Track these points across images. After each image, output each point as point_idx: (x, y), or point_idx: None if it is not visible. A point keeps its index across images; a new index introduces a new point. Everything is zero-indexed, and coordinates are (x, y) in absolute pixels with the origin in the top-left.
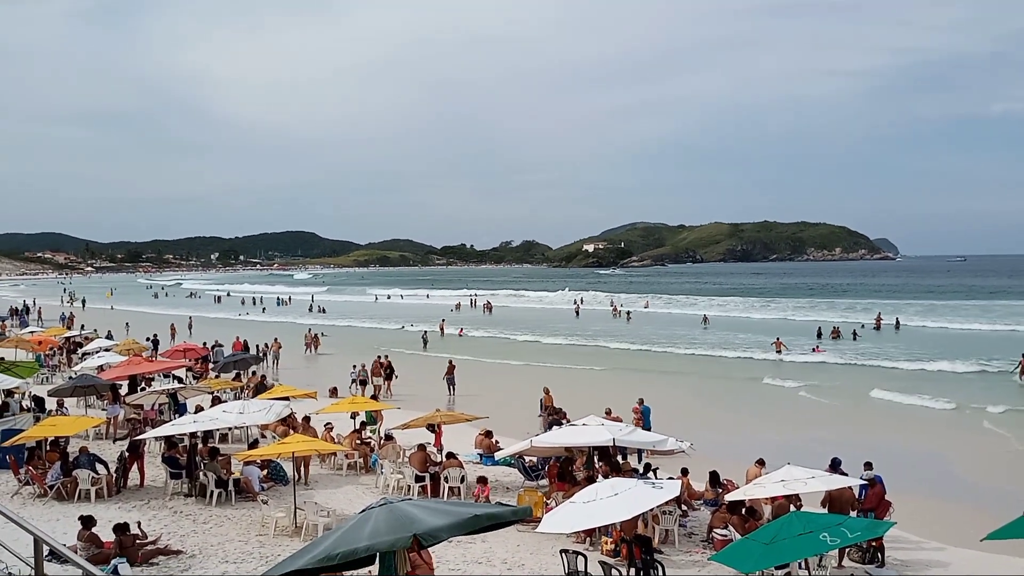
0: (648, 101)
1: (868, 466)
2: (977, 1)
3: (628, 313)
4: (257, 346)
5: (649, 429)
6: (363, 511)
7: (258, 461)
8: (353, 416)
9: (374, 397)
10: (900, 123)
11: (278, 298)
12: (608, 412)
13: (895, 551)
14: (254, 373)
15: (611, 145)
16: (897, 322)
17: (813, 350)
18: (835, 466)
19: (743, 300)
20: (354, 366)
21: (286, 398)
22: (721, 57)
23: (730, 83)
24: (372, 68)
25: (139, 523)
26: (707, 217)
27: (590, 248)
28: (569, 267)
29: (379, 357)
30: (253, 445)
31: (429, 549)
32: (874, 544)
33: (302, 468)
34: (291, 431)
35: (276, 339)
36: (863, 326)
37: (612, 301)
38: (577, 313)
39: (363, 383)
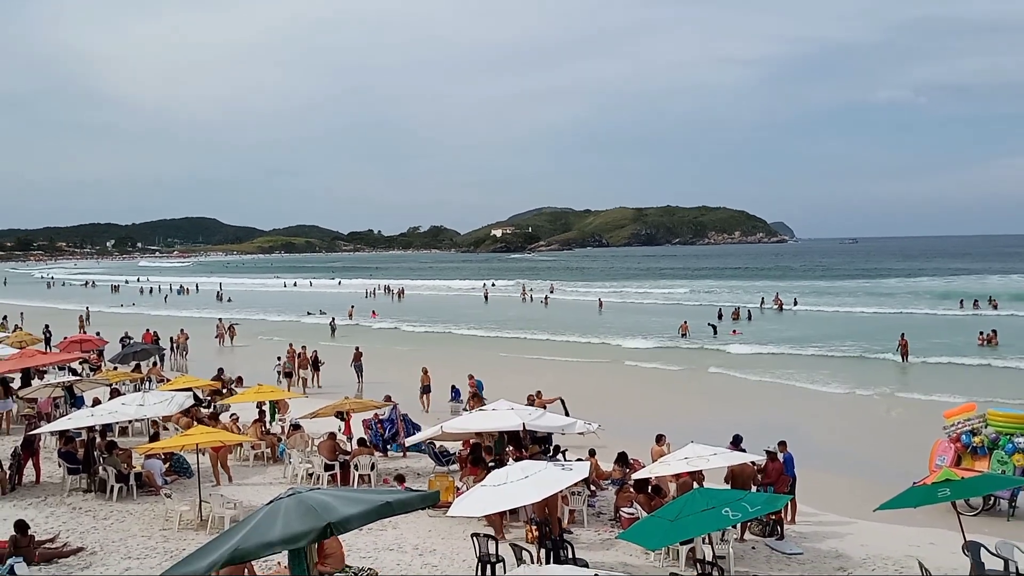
0: (554, 86)
1: (783, 445)
2: None
3: (546, 298)
4: (171, 338)
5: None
6: (271, 502)
7: (160, 454)
8: (258, 406)
9: (303, 390)
10: (793, 110)
11: (181, 286)
12: (539, 394)
13: (793, 525)
14: (155, 364)
15: (517, 130)
16: (795, 302)
17: (732, 332)
18: (736, 443)
19: (649, 283)
20: (278, 358)
21: (189, 389)
22: (624, 44)
23: (633, 70)
24: (273, 49)
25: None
26: (612, 202)
27: (498, 233)
28: (477, 252)
29: (304, 348)
30: (154, 438)
31: (339, 537)
32: (773, 517)
33: (217, 464)
34: (194, 423)
35: (182, 330)
36: (762, 307)
37: (523, 287)
38: (486, 298)
39: (288, 375)
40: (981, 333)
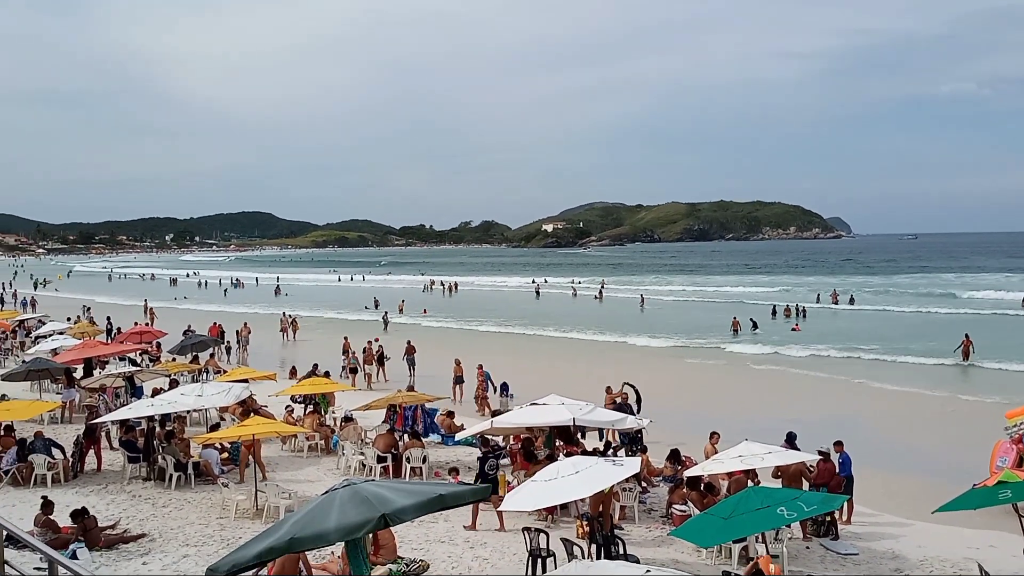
0: (606, 82)
1: (839, 445)
2: None
3: (600, 293)
4: (236, 331)
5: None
6: (326, 492)
7: (217, 444)
8: (306, 399)
9: (368, 384)
10: (852, 103)
11: (233, 279)
12: (608, 390)
13: (849, 525)
14: (212, 355)
15: (569, 125)
16: (852, 299)
17: (792, 329)
18: (790, 441)
19: (700, 279)
20: (345, 353)
21: (245, 380)
22: (679, 39)
23: (687, 64)
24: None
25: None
26: (665, 197)
27: (549, 228)
28: (528, 247)
29: (370, 343)
30: (214, 428)
31: (392, 528)
32: (828, 517)
33: (250, 457)
34: (251, 413)
35: (245, 323)
36: (818, 301)
37: (573, 286)
38: (537, 294)
39: (354, 371)
40: None
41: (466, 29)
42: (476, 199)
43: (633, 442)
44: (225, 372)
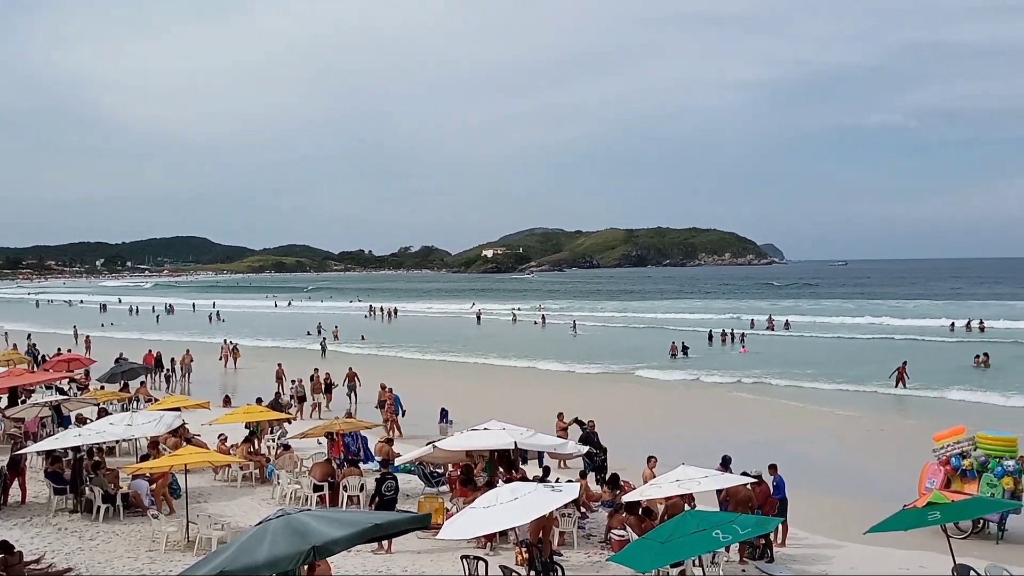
0: (548, 108)
1: (773, 468)
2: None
3: (543, 319)
4: (171, 359)
5: (399, 413)
6: (259, 523)
7: (148, 474)
8: (247, 426)
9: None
10: (787, 133)
11: (167, 305)
12: (560, 416)
13: (783, 548)
14: (143, 384)
15: (511, 150)
16: (787, 324)
17: (742, 350)
18: (725, 464)
19: (637, 304)
20: (292, 381)
21: (178, 409)
22: (621, 67)
23: (629, 92)
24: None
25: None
26: (604, 223)
27: (489, 254)
28: (468, 272)
29: (316, 370)
30: (144, 458)
31: (328, 559)
32: (763, 540)
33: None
34: (183, 443)
35: (188, 351)
36: (753, 327)
37: (513, 312)
38: (479, 320)
39: (301, 399)
40: (977, 356)
41: (408, 53)
42: (416, 224)
43: (599, 470)
44: (157, 400)
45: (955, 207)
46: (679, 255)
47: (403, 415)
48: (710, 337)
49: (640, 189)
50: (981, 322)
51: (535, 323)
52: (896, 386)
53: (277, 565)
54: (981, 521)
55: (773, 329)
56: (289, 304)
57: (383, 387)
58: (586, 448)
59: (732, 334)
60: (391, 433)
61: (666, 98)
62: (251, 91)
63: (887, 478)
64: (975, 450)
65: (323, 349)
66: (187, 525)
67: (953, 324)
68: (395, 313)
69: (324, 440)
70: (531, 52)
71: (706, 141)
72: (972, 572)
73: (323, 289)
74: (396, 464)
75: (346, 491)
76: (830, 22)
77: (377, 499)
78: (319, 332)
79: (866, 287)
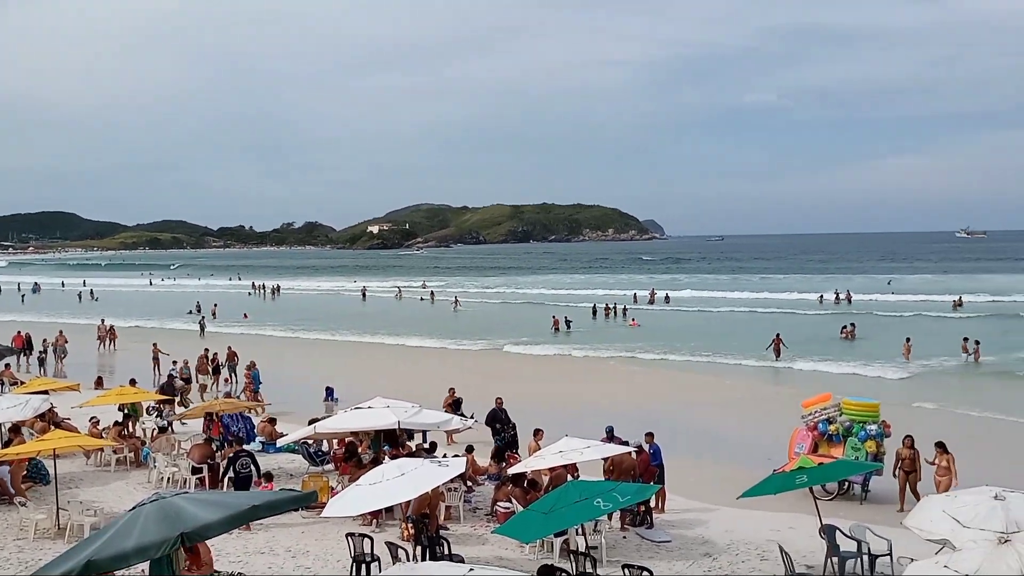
0: (434, 83)
1: (650, 436)
2: None
3: (432, 295)
4: (44, 340)
5: (256, 392)
6: (134, 508)
7: (11, 460)
8: (120, 408)
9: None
10: (667, 111)
11: (34, 284)
12: (451, 391)
13: (661, 513)
14: (7, 367)
15: (397, 126)
16: (667, 298)
17: (631, 323)
18: (610, 433)
19: (525, 279)
20: (174, 362)
21: (45, 392)
22: (506, 44)
23: (514, 69)
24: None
25: None
26: (490, 199)
27: (374, 229)
28: (354, 248)
29: (206, 350)
30: (7, 444)
31: (207, 541)
32: (643, 507)
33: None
34: (51, 427)
35: (61, 332)
36: (636, 301)
37: (398, 288)
38: (364, 296)
39: (187, 381)
40: (844, 327)
41: (293, 26)
42: (300, 200)
43: (509, 446)
44: (23, 383)
45: (826, 184)
46: (564, 231)
47: (252, 390)
48: (594, 311)
49: (526, 166)
50: (848, 294)
51: (421, 299)
52: (776, 358)
53: (147, 552)
54: (846, 483)
55: (654, 303)
56: (164, 281)
57: (252, 365)
58: (473, 421)
59: (615, 308)
60: (259, 410)
61: (551, 76)
62: (119, 63)
63: (761, 444)
64: (840, 416)
65: (202, 328)
66: (57, 512)
67: (822, 296)
68: (278, 291)
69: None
70: (417, 29)
71: (590, 119)
72: (838, 531)
73: (195, 266)
74: (279, 444)
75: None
76: (706, 3)
77: (232, 477)
78: (198, 311)
79: (742, 261)
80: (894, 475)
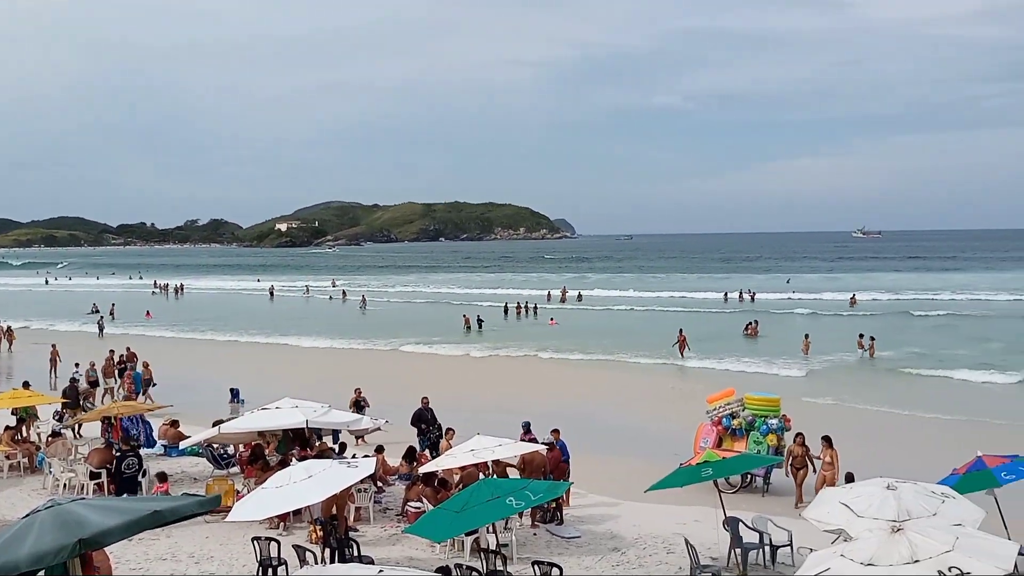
0: (343, 80)
1: (556, 433)
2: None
3: (343, 293)
4: None
5: (139, 394)
6: (27, 515)
7: None
8: (13, 412)
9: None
10: (577, 111)
11: None
12: (358, 391)
13: (571, 509)
14: None
15: (306, 123)
16: (579, 296)
17: (551, 322)
18: (527, 429)
19: (434, 277)
20: (77, 365)
21: None
22: (416, 41)
23: (424, 67)
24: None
25: None
26: (401, 197)
27: (283, 227)
28: (261, 247)
29: (112, 352)
30: None
31: (105, 549)
32: (553, 504)
33: None
34: None
35: None
36: (549, 300)
37: (307, 286)
38: (271, 295)
39: (94, 384)
40: (747, 325)
41: (197, 20)
42: (205, 196)
43: (435, 446)
44: None
45: (729, 185)
46: (476, 229)
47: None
48: (505, 310)
49: (438, 164)
50: (752, 293)
51: (330, 298)
52: (681, 355)
53: (42, 560)
54: (749, 476)
55: (566, 302)
56: (57, 280)
57: (146, 365)
58: (384, 421)
59: (527, 307)
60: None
61: (460, 74)
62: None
63: (667, 439)
64: (743, 410)
65: (100, 329)
66: None
67: (727, 295)
68: (182, 290)
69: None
70: (327, 26)
71: (502, 118)
72: (741, 523)
73: (94, 265)
74: (183, 446)
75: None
76: (615, 5)
77: (117, 478)
78: (96, 311)
79: (650, 260)
80: (786, 475)
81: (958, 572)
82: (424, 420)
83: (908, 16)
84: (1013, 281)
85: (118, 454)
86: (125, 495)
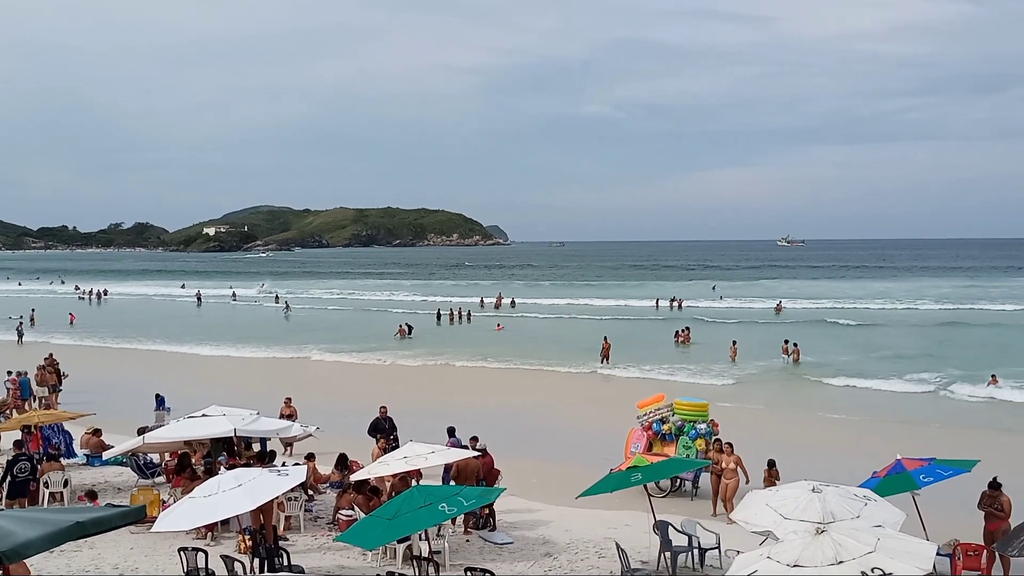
0: (273, 84)
1: (474, 440)
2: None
3: (276, 299)
4: None
5: (27, 399)
6: None
7: None
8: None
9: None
10: (509, 118)
11: None
12: (287, 402)
13: (504, 515)
14: None
15: (235, 126)
16: (513, 303)
17: (497, 328)
18: (451, 433)
19: (368, 283)
20: (9, 372)
21: None
22: (347, 46)
23: (356, 72)
24: None
25: None
26: (333, 202)
27: (211, 231)
28: (189, 251)
29: (46, 359)
30: None
31: (25, 561)
32: (486, 510)
33: None
34: None
35: None
36: (483, 306)
37: (233, 290)
38: (199, 301)
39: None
40: (677, 332)
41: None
42: (130, 200)
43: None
44: None
45: (659, 194)
46: (409, 235)
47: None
48: (438, 316)
49: (370, 170)
50: (680, 301)
51: (259, 304)
52: (604, 362)
53: None
54: (678, 480)
55: (500, 308)
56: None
57: (40, 369)
58: (315, 428)
59: (460, 313)
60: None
61: (396, 81)
62: None
63: (599, 444)
64: (673, 415)
65: (19, 336)
66: None
67: (658, 301)
68: (105, 295)
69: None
70: (252, 26)
71: (435, 124)
72: (670, 527)
73: (13, 269)
74: (106, 456)
75: (47, 488)
76: (547, 16)
77: (8, 481)
78: (18, 318)
79: (581, 268)
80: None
81: (880, 572)
82: (380, 429)
83: (828, 32)
84: (928, 289)
85: (40, 464)
86: (17, 503)
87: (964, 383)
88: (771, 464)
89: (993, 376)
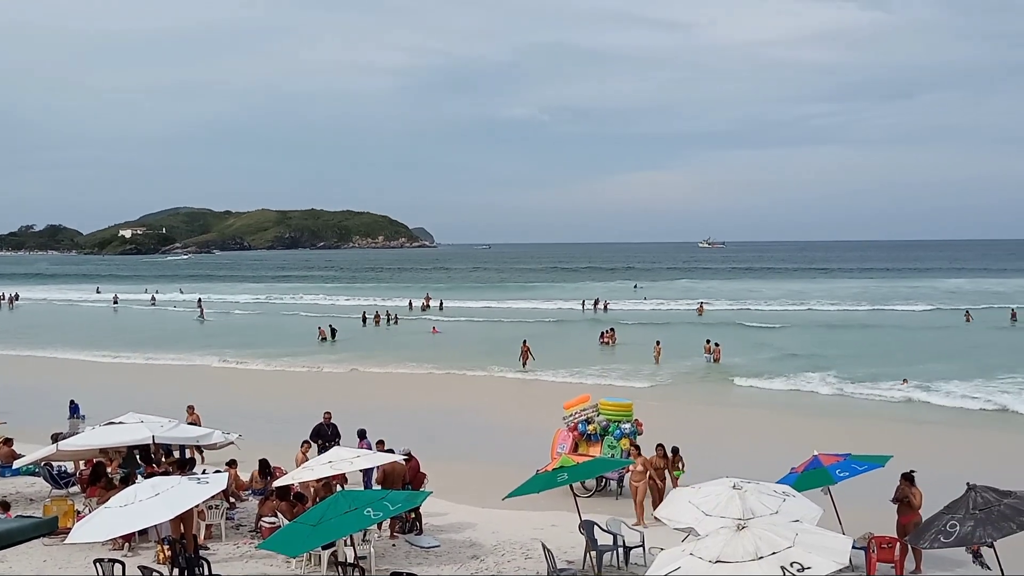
0: (189, 82)
1: (380, 444)
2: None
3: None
4: None
5: None
6: None
7: None
8: None
9: None
10: (433, 120)
11: None
12: (190, 409)
13: (431, 518)
14: None
15: (149, 125)
16: (441, 305)
17: (432, 331)
18: (361, 436)
19: (290, 287)
20: None
21: None
22: (266, 44)
23: (277, 71)
24: None
25: None
26: (255, 204)
27: (127, 234)
28: (103, 254)
29: None
30: None
31: None
32: (413, 514)
33: None
34: None
35: None
36: (411, 308)
37: (153, 296)
38: (115, 304)
39: None
40: (603, 333)
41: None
42: (40, 201)
43: None
44: None
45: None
46: (333, 237)
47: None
48: (364, 319)
49: (293, 171)
50: (605, 303)
51: (174, 307)
52: (523, 366)
53: None
54: (603, 480)
55: (427, 310)
56: None
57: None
58: (236, 435)
59: (387, 316)
60: None
61: (318, 80)
62: None
63: (525, 445)
64: (598, 416)
65: None
66: None
67: (584, 303)
68: (16, 299)
69: None
70: (165, 21)
71: (357, 124)
72: (596, 526)
73: None
74: (17, 465)
75: None
76: (469, 17)
77: None
78: None
79: (507, 271)
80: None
81: (799, 566)
82: (323, 435)
83: (746, 39)
84: (840, 290)
85: None
86: None
87: (879, 381)
88: (675, 451)
89: (904, 380)
